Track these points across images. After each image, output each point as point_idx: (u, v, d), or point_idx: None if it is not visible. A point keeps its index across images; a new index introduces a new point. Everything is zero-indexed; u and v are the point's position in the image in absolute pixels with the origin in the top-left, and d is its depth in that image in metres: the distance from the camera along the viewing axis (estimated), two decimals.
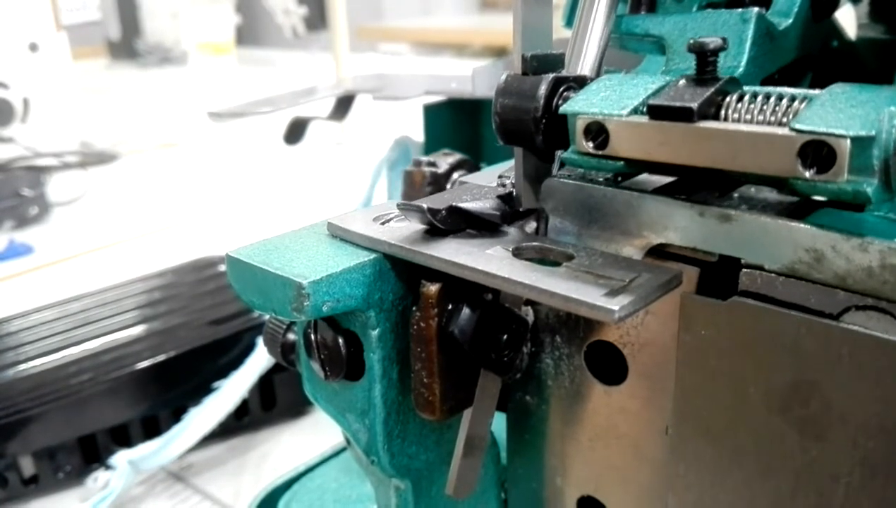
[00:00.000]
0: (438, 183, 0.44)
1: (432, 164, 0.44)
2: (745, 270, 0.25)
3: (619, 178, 0.28)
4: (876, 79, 0.35)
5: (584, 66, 0.32)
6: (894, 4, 0.40)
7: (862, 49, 0.40)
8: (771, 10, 0.34)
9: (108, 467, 0.57)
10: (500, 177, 0.34)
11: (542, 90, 0.28)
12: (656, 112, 0.25)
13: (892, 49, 0.40)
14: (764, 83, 0.33)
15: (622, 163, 0.26)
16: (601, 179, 0.28)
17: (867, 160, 0.21)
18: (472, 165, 0.45)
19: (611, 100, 0.26)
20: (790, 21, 0.33)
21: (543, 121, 0.28)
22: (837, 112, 0.22)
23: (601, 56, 0.33)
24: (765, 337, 0.24)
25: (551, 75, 0.28)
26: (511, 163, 0.31)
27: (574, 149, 0.27)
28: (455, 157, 0.44)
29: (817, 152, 0.22)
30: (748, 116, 0.24)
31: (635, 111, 0.26)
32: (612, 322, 0.23)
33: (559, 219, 0.29)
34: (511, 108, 0.28)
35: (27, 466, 0.57)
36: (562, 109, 0.27)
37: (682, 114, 0.24)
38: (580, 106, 0.27)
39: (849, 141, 0.21)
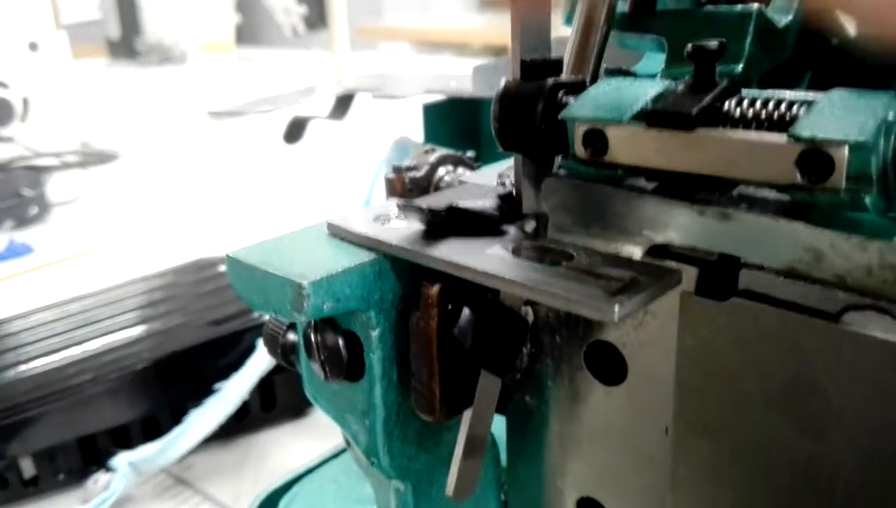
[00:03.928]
0: (420, 186, 0.43)
1: (412, 168, 0.43)
2: (744, 269, 0.25)
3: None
4: (876, 77, 0.35)
5: (584, 66, 0.32)
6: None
7: (862, 47, 0.40)
8: (771, 7, 0.33)
9: (108, 468, 0.57)
10: (499, 176, 0.34)
11: (541, 96, 0.28)
12: (655, 119, 0.25)
13: (892, 48, 0.40)
14: (763, 80, 0.32)
15: (621, 170, 0.26)
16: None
17: (865, 168, 0.21)
18: (457, 158, 0.45)
19: (610, 107, 0.26)
20: (790, 18, 0.33)
21: (542, 127, 0.28)
22: (836, 119, 0.22)
23: (601, 55, 0.33)
24: (764, 337, 0.24)
25: (550, 80, 0.28)
26: (510, 161, 0.31)
27: (573, 156, 0.27)
28: (438, 153, 0.44)
29: (815, 160, 0.22)
30: (747, 122, 0.24)
31: (634, 118, 0.26)
32: (612, 321, 0.23)
33: (559, 217, 0.29)
34: (510, 114, 0.28)
35: (27, 467, 0.57)
36: (561, 115, 0.27)
37: (680, 122, 0.24)
38: (579, 112, 0.27)
39: (846, 148, 0.21)
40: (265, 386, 0.63)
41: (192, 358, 0.62)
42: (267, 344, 0.37)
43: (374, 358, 0.30)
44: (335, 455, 0.52)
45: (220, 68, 2.72)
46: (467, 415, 0.31)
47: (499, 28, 3.00)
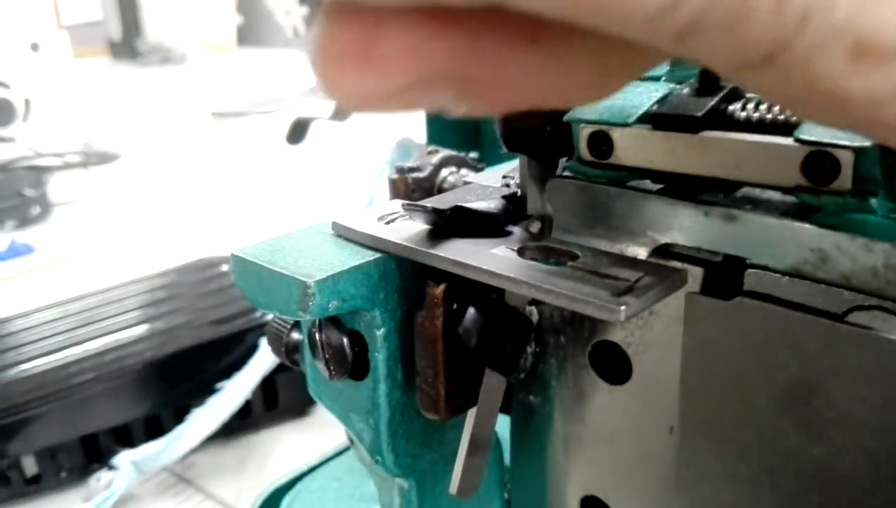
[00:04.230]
0: (423, 187, 0.43)
1: (415, 169, 0.43)
2: (749, 270, 0.25)
3: None
4: None
5: None
6: None
7: None
8: None
9: (110, 467, 0.57)
10: (504, 177, 0.34)
11: None
12: (661, 121, 0.25)
13: None
14: None
15: (625, 172, 0.27)
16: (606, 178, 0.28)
17: (871, 170, 0.21)
18: (460, 160, 0.45)
19: (615, 109, 0.26)
20: None
21: (548, 129, 0.28)
22: None
23: None
24: (769, 337, 0.25)
25: None
26: (514, 163, 0.31)
27: (578, 158, 0.27)
28: (440, 155, 0.44)
29: (821, 163, 0.22)
30: (752, 125, 0.24)
31: (640, 120, 0.26)
32: (618, 321, 0.23)
33: (564, 218, 0.29)
34: (515, 116, 0.28)
35: (30, 465, 0.58)
36: (566, 117, 0.27)
37: (686, 124, 0.25)
38: (584, 114, 0.27)
39: (852, 151, 0.21)
40: (267, 385, 0.63)
41: (195, 358, 0.62)
42: (271, 342, 0.37)
43: (379, 358, 0.30)
44: (338, 454, 0.52)
45: (221, 69, 2.72)
46: (471, 414, 0.31)
47: None
